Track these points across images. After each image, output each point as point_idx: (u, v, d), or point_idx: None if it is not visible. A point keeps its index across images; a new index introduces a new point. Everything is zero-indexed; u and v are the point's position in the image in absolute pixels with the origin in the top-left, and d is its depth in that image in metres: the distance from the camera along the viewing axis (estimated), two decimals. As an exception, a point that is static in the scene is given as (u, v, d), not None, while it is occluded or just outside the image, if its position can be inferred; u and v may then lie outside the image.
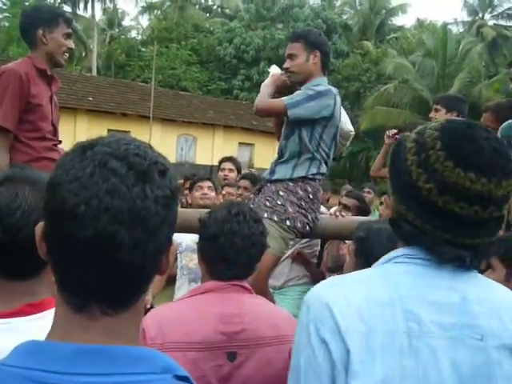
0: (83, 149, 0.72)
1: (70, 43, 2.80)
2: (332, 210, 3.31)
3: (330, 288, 1.05)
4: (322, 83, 2.85)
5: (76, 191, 0.68)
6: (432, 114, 3.89)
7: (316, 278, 3.65)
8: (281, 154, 2.91)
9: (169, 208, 0.73)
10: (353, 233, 1.75)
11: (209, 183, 3.77)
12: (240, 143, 22.29)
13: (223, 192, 4.05)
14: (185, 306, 1.72)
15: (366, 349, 0.95)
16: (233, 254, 1.67)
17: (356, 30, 31.17)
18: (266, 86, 2.91)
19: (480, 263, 1.06)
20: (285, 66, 2.91)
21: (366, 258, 1.65)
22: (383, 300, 0.99)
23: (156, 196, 0.71)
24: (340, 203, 4.02)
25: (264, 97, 2.86)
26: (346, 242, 3.34)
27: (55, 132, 2.82)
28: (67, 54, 2.82)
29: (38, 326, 1.02)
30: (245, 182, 4.00)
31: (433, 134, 1.03)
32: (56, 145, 2.82)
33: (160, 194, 0.71)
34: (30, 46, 2.76)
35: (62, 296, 0.73)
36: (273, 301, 2.82)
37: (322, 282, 1.09)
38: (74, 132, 16.62)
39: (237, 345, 1.63)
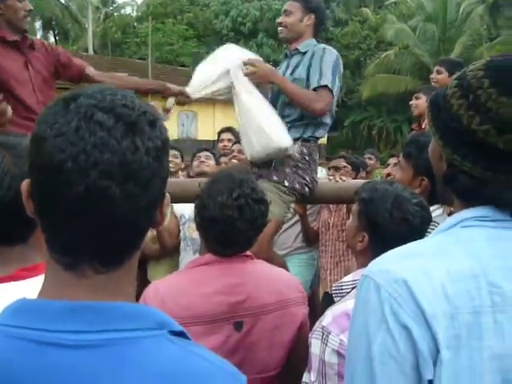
0: (66, 101, 0.69)
1: (27, 5, 2.73)
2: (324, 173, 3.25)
3: (403, 261, 0.92)
4: (310, 44, 2.90)
5: (62, 146, 0.65)
6: (433, 76, 3.90)
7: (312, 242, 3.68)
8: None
9: (160, 159, 0.71)
10: (356, 193, 1.69)
11: (206, 153, 3.81)
12: (241, 116, 22.15)
13: (221, 162, 4.03)
14: (186, 278, 1.68)
15: (452, 332, 0.85)
16: (232, 237, 1.62)
17: (354, -4, 30.69)
18: (287, 83, 2.78)
19: None
20: (279, 20, 2.96)
21: (368, 219, 1.60)
22: (466, 272, 0.88)
23: (147, 148, 0.68)
24: (330, 168, 4.01)
25: (311, 94, 2.75)
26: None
27: (40, 100, 2.74)
28: (28, 17, 2.76)
29: (34, 288, 1.03)
30: (238, 146, 3.85)
31: (477, 74, 0.95)
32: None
33: (151, 146, 0.69)
34: None
35: (52, 255, 0.71)
36: (282, 264, 2.79)
37: (389, 254, 0.96)
38: (73, 112, 16.56)
39: (242, 314, 1.61)
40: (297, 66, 2.87)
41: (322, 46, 2.90)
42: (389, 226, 1.55)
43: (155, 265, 3.59)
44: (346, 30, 26.41)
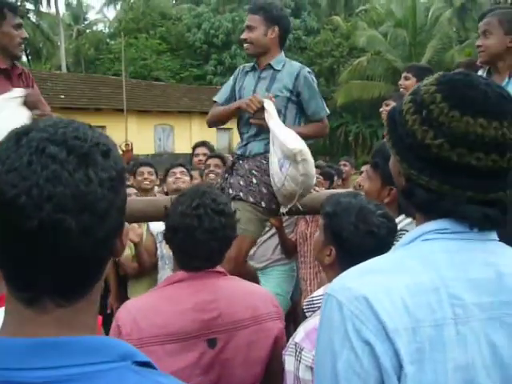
0: (18, 136, 0.69)
1: (23, 33, 2.74)
2: None
3: (363, 278, 0.92)
4: (282, 60, 2.90)
5: (14, 182, 0.65)
6: (401, 82, 3.87)
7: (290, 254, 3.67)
8: (250, 128, 2.90)
9: (115, 190, 0.70)
10: (321, 207, 1.69)
11: (181, 168, 3.76)
12: (218, 128, 21.99)
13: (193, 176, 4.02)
14: (158, 296, 1.67)
15: (415, 346, 0.85)
16: (191, 248, 1.63)
17: (325, 5, 30.96)
18: (301, 128, 2.91)
19: (504, 221, 0.96)
20: (242, 36, 2.91)
21: (333, 233, 1.59)
22: (426, 285, 0.89)
23: (101, 179, 0.68)
24: None
25: (319, 126, 2.99)
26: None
27: None
28: (23, 45, 2.77)
29: None
30: (214, 160, 3.93)
31: (429, 89, 0.97)
32: None
33: (105, 177, 0.69)
34: None
35: (11, 291, 0.70)
36: (256, 280, 2.80)
37: (350, 271, 0.96)
38: (48, 131, 16.36)
39: (215, 331, 1.60)
40: (271, 82, 2.86)
41: (299, 65, 2.91)
42: (354, 239, 1.54)
43: (135, 283, 3.58)
44: (318, 39, 26.68)
